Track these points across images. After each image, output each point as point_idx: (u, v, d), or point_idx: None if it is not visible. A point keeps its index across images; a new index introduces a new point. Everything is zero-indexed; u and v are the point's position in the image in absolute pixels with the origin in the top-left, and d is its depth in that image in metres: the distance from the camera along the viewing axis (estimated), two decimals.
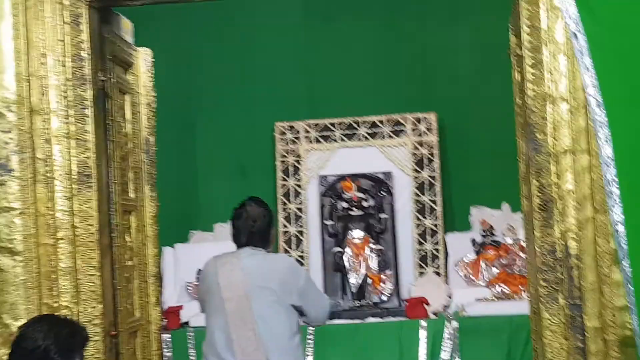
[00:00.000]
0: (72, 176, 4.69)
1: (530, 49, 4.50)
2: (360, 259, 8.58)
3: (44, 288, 4.59)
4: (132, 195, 5.35)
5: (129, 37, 5.50)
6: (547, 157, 4.47)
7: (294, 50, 9.37)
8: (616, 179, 4.23)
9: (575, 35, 4.27)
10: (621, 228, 4.24)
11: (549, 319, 4.50)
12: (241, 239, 5.08)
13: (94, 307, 4.68)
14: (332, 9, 8.96)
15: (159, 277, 5.60)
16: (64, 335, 3.72)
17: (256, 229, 5.06)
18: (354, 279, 8.56)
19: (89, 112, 4.75)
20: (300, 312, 5.00)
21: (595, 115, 4.26)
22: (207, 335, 4.98)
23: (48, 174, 4.65)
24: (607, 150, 4.24)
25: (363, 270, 8.55)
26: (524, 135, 4.80)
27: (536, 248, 4.52)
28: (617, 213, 4.24)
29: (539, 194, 4.49)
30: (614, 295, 4.35)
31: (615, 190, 4.23)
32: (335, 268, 8.70)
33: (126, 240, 5.21)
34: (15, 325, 4.41)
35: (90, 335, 4.03)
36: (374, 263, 8.57)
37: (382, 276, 8.54)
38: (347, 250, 8.62)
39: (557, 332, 4.49)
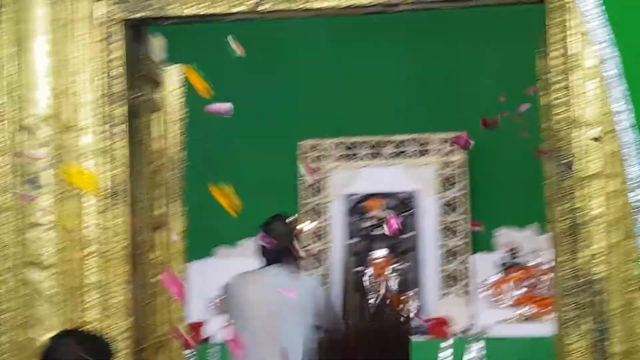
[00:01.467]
0: (103, 192, 4.74)
1: (558, 74, 4.51)
2: (381, 279, 8.59)
3: (72, 303, 4.64)
4: (160, 211, 5.39)
5: (161, 54, 5.56)
6: (573, 182, 4.48)
7: (319, 69, 9.38)
8: None
9: (605, 60, 4.29)
10: None
11: (572, 344, 4.50)
12: (269, 256, 5.12)
13: (122, 322, 4.72)
14: (358, 27, 8.97)
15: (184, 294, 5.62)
16: (90, 350, 3.75)
17: (281, 247, 5.11)
18: (373, 299, 8.56)
19: (119, 129, 4.80)
20: None
21: (624, 140, 4.27)
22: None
23: (78, 190, 4.70)
24: (635, 175, 4.25)
25: (382, 290, 8.55)
26: (550, 159, 4.81)
27: (562, 272, 4.52)
28: None
29: (565, 219, 4.50)
30: (639, 322, 4.35)
31: None
32: (356, 288, 8.70)
33: (153, 256, 5.24)
34: (40, 340, 4.46)
35: (117, 351, 4.07)
36: (394, 283, 8.57)
37: (401, 297, 8.53)
38: (368, 270, 8.64)
39: (582, 357, 4.48)
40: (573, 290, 4.49)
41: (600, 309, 4.44)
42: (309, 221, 8.81)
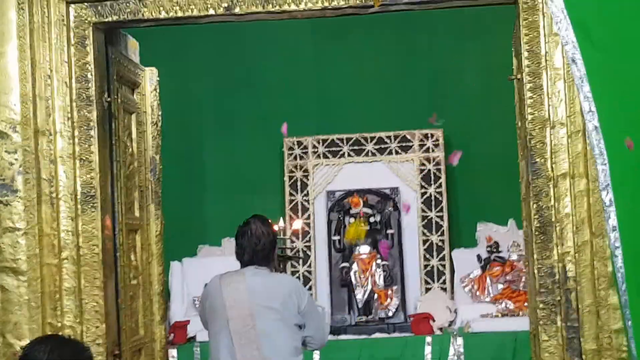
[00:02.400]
0: (77, 196, 4.76)
1: (529, 74, 4.55)
2: (367, 274, 8.62)
3: (48, 308, 4.66)
4: (137, 214, 5.40)
5: (135, 57, 5.56)
6: (545, 181, 4.52)
7: (302, 66, 9.42)
8: (613, 203, 4.26)
9: (574, 61, 4.31)
10: (619, 252, 4.26)
11: (547, 341, 4.54)
12: (245, 257, 5.12)
13: (97, 326, 4.74)
14: (341, 26, 8.97)
15: (164, 295, 5.64)
16: (67, 355, 3.75)
17: (260, 248, 5.10)
18: (360, 294, 8.60)
19: (94, 132, 4.81)
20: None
21: (594, 141, 4.29)
22: (213, 354, 5.03)
23: (53, 195, 4.72)
24: (604, 175, 4.27)
25: (369, 286, 8.59)
26: (524, 157, 4.84)
27: (534, 270, 4.56)
28: (614, 237, 4.27)
29: (537, 217, 4.54)
30: (610, 318, 4.40)
31: (613, 214, 4.26)
32: (342, 283, 8.74)
33: (131, 259, 5.26)
34: (18, 344, 4.49)
35: (94, 355, 4.07)
36: (380, 278, 8.61)
37: (388, 292, 8.58)
38: (354, 265, 8.67)
39: (555, 353, 4.53)
40: (545, 289, 4.52)
41: (573, 307, 4.47)
42: (297, 220, 8.84)
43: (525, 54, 4.55)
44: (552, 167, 4.50)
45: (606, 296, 4.40)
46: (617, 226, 4.23)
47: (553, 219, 4.50)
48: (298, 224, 8.81)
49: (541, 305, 4.54)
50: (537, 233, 4.54)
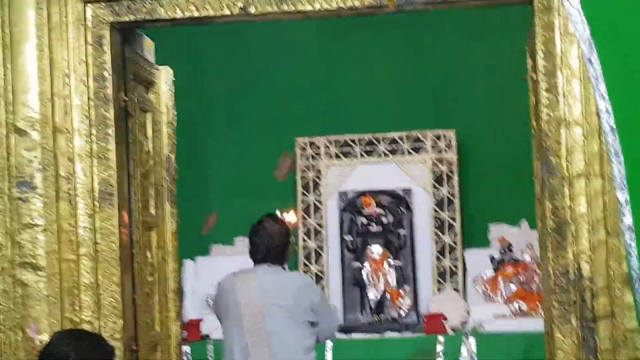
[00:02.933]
0: (94, 194, 4.80)
1: (545, 74, 4.57)
2: (379, 274, 8.65)
3: (66, 303, 4.71)
4: (153, 212, 5.44)
5: (150, 56, 5.60)
6: (561, 181, 4.54)
7: (316, 66, 9.44)
8: (629, 203, 4.28)
9: (590, 60, 4.32)
10: (633, 251, 4.29)
11: (561, 340, 4.56)
12: (258, 256, 5.18)
13: (115, 322, 4.79)
14: (354, 26, 9.02)
15: (179, 293, 5.68)
16: (84, 346, 3.80)
17: (273, 246, 5.15)
18: (372, 294, 8.63)
19: (111, 131, 4.86)
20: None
21: (610, 140, 4.31)
22: (227, 351, 5.08)
23: (71, 192, 4.76)
24: (620, 175, 4.29)
25: (382, 286, 8.62)
26: (539, 157, 4.86)
27: (550, 269, 4.58)
28: (630, 236, 4.29)
29: (552, 217, 4.56)
30: (625, 318, 4.41)
31: (628, 214, 4.28)
32: (354, 283, 8.77)
33: (147, 256, 5.30)
34: (38, 338, 4.55)
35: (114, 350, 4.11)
36: (392, 278, 8.64)
37: (400, 291, 8.61)
38: (366, 265, 8.70)
39: (570, 352, 4.55)
40: (561, 288, 4.54)
41: (588, 306, 4.49)
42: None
43: (541, 54, 4.57)
44: (567, 167, 4.52)
45: (621, 295, 4.41)
46: (632, 226, 4.26)
47: (568, 219, 4.52)
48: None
49: (556, 305, 4.56)
50: (552, 233, 4.56)
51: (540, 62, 4.58)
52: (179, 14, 4.86)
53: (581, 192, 4.50)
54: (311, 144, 9.13)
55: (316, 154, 9.11)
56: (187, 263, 8.82)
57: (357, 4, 4.74)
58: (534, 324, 7.73)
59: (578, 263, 4.50)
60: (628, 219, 4.24)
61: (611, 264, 4.44)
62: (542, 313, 7.24)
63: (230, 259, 8.41)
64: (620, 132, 4.22)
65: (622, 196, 4.25)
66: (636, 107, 4.24)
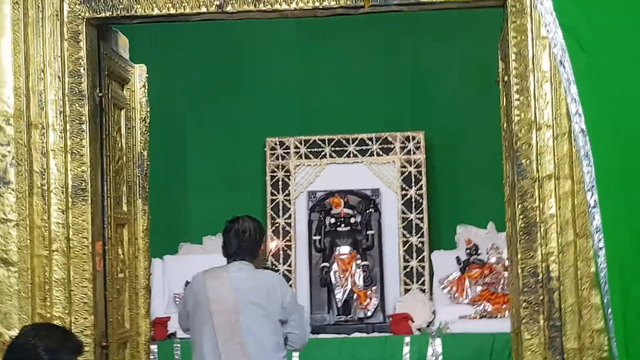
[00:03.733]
0: (68, 189, 4.80)
1: (516, 76, 4.63)
2: (347, 274, 8.69)
3: (37, 298, 4.71)
4: (125, 208, 5.44)
5: (125, 53, 5.61)
6: (531, 182, 4.60)
7: (286, 67, 9.47)
8: (598, 205, 4.36)
9: (562, 63, 4.40)
10: (602, 252, 4.36)
11: (529, 340, 4.62)
12: (230, 251, 5.18)
13: (86, 318, 4.79)
14: (325, 27, 9.05)
15: (149, 290, 5.69)
16: (54, 336, 3.80)
17: (245, 241, 5.16)
18: (340, 294, 8.67)
19: (85, 126, 4.86)
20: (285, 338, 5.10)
21: (580, 143, 4.39)
22: (196, 348, 5.08)
23: (44, 187, 4.77)
24: (590, 177, 4.36)
25: (349, 286, 8.66)
26: (509, 159, 4.92)
27: (518, 270, 4.64)
28: (598, 238, 4.37)
29: (522, 217, 4.61)
30: (592, 318, 4.48)
31: (597, 215, 4.36)
32: (322, 283, 8.80)
33: (118, 252, 5.30)
34: (8, 334, 4.55)
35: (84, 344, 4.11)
36: (360, 279, 8.69)
37: (367, 292, 8.65)
38: (334, 265, 8.74)
39: (537, 352, 4.60)
40: (529, 288, 4.60)
41: (555, 306, 4.55)
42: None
43: (513, 56, 4.63)
44: (537, 169, 4.58)
45: (589, 296, 4.48)
46: (601, 227, 4.34)
47: (538, 220, 4.58)
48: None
49: (524, 305, 4.62)
50: (521, 233, 4.62)
51: (512, 65, 4.63)
52: (155, 11, 4.87)
53: (551, 194, 4.56)
54: (281, 143, 9.16)
55: (286, 153, 9.14)
56: (155, 261, 8.78)
57: (332, 3, 4.78)
58: (499, 325, 7.83)
59: (547, 263, 4.56)
60: (597, 221, 4.33)
61: (579, 265, 4.50)
62: (508, 314, 7.34)
63: (200, 258, 8.43)
64: (590, 134, 4.30)
65: (592, 198, 4.33)
66: (606, 110, 4.32)
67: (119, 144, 5.41)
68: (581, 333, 4.51)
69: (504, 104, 5.04)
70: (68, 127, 4.83)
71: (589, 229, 4.41)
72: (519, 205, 4.63)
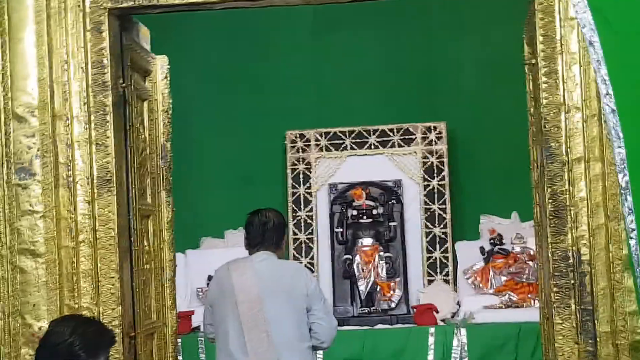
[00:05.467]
0: (93, 180, 4.79)
1: (544, 58, 4.58)
2: (370, 266, 8.67)
3: (65, 290, 4.70)
4: (149, 200, 5.43)
5: (147, 45, 5.59)
6: (560, 165, 4.55)
7: (304, 59, 9.47)
8: (630, 186, 4.31)
9: (591, 44, 4.34)
10: (634, 234, 4.31)
11: (560, 324, 4.58)
12: (253, 242, 5.17)
13: (114, 309, 4.77)
14: (344, 19, 9.04)
15: (174, 282, 5.67)
16: (90, 333, 3.77)
17: (268, 230, 5.16)
18: (363, 286, 8.64)
19: (109, 117, 4.84)
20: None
21: (610, 123, 4.33)
22: (220, 337, 5.07)
23: (69, 178, 4.75)
24: (620, 157, 4.31)
25: (372, 278, 8.64)
26: (537, 143, 4.88)
27: (549, 254, 4.60)
28: (630, 219, 4.31)
29: (551, 201, 4.57)
30: (625, 301, 4.44)
31: (629, 197, 4.31)
32: (344, 275, 8.78)
33: (144, 244, 5.29)
34: (37, 325, 4.54)
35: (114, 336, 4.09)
36: (382, 270, 8.66)
37: (391, 283, 8.62)
38: (357, 257, 8.72)
39: (569, 336, 4.57)
40: (559, 272, 4.56)
41: (587, 290, 4.51)
42: None
43: (541, 38, 4.58)
44: (567, 152, 4.54)
45: (621, 279, 4.44)
46: (633, 209, 4.28)
47: (568, 203, 4.54)
48: None
49: (555, 289, 4.58)
50: (551, 217, 4.58)
51: (540, 47, 4.59)
52: (177, 0, 4.84)
53: (581, 177, 4.52)
54: (301, 136, 9.14)
55: (306, 146, 9.12)
56: (178, 256, 8.74)
57: None
58: (524, 315, 7.80)
59: (577, 247, 4.52)
60: (629, 202, 4.27)
61: (611, 248, 4.46)
62: (533, 304, 7.30)
63: (221, 252, 8.40)
64: (620, 115, 4.25)
65: (623, 179, 4.28)
66: (637, 89, 4.27)
67: (142, 136, 5.38)
68: (613, 316, 4.46)
69: (530, 87, 5.00)
70: (92, 118, 4.81)
71: (620, 212, 4.36)
72: (549, 189, 4.58)
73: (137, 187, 5.22)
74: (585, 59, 4.44)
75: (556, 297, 4.58)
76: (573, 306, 4.56)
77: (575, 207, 4.53)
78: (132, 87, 5.21)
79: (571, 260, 4.54)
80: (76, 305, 4.69)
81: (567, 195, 4.55)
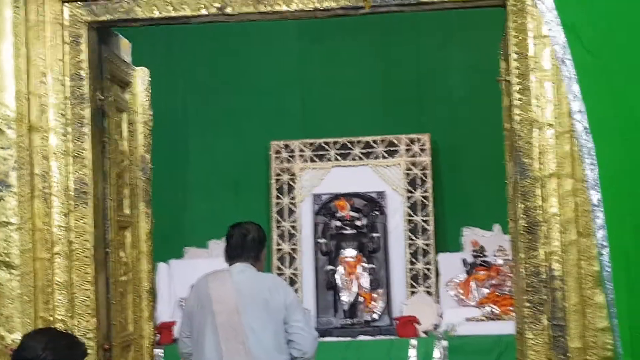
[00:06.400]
0: (69, 192, 4.81)
1: (517, 76, 4.62)
2: (353, 277, 8.68)
3: (40, 301, 4.71)
4: (127, 211, 5.44)
5: (127, 57, 5.60)
6: (533, 181, 4.58)
7: (289, 70, 9.49)
8: (601, 203, 4.34)
9: (563, 61, 4.38)
10: (605, 251, 4.34)
11: (532, 339, 4.60)
12: (233, 253, 5.20)
13: (88, 321, 4.79)
14: (329, 29, 9.07)
15: (152, 293, 5.68)
16: (62, 346, 3.79)
17: (248, 242, 5.18)
18: (345, 297, 8.66)
19: (86, 130, 4.86)
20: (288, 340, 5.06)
21: (582, 141, 4.36)
22: (197, 347, 5.08)
23: (45, 190, 4.77)
24: (593, 175, 4.34)
25: (355, 289, 8.65)
26: (511, 158, 4.90)
27: (521, 269, 4.62)
28: (601, 236, 4.34)
29: (524, 217, 4.60)
30: (596, 317, 4.46)
31: (600, 214, 4.34)
32: (327, 286, 8.80)
33: (121, 255, 5.30)
34: (10, 337, 4.55)
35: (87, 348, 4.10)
36: (365, 281, 8.68)
37: (373, 295, 8.64)
38: (340, 268, 8.73)
39: (541, 352, 4.59)
40: (532, 287, 4.58)
41: (559, 306, 4.53)
42: None
43: (514, 56, 4.62)
44: (539, 168, 4.56)
45: (592, 295, 4.46)
46: (604, 225, 4.32)
47: (540, 219, 4.56)
48: None
49: (527, 304, 4.60)
50: (523, 233, 4.60)
51: (513, 64, 4.62)
52: (156, 14, 4.87)
53: (553, 193, 4.54)
54: (286, 146, 9.16)
55: (291, 157, 9.14)
56: (161, 266, 8.80)
57: (332, 4, 4.78)
58: (506, 327, 7.79)
59: (549, 263, 4.54)
60: (600, 219, 4.30)
61: (582, 264, 4.48)
62: (514, 315, 7.30)
63: (205, 262, 8.41)
64: (594, 133, 4.28)
65: (595, 196, 4.31)
66: (609, 107, 4.30)
67: (121, 147, 5.40)
68: (585, 332, 4.48)
69: (506, 103, 5.02)
70: (69, 130, 4.83)
71: (592, 228, 4.39)
72: (521, 205, 4.61)
73: (115, 198, 5.23)
74: (557, 76, 4.46)
75: (528, 313, 4.60)
76: (545, 322, 4.58)
77: (547, 222, 4.55)
78: (111, 99, 5.23)
79: (543, 276, 4.57)
80: (51, 318, 4.70)
81: (540, 211, 4.57)
